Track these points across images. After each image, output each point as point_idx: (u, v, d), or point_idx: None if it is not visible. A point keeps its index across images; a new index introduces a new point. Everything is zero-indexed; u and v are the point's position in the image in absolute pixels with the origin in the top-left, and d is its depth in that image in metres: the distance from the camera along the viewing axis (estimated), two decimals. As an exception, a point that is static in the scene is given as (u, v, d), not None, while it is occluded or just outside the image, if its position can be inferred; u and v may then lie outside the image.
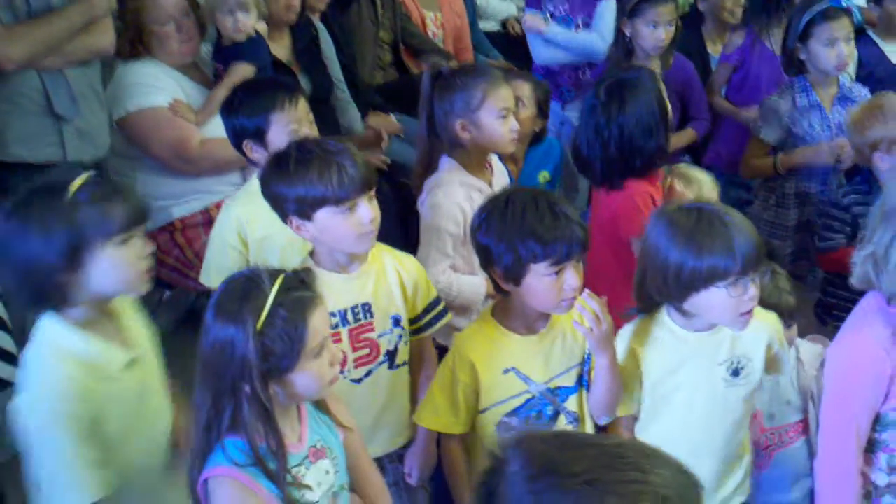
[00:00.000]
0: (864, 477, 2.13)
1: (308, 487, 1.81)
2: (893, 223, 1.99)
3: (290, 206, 2.23)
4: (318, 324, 1.77)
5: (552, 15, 4.42)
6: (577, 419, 2.32)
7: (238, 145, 2.75)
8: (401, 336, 2.40)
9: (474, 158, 2.85)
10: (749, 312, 2.13)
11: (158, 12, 3.39)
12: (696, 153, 4.34)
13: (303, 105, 2.73)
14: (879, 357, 2.02)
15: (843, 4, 3.74)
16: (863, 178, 3.32)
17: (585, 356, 2.30)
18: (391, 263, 2.40)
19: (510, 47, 5.37)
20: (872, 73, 4.18)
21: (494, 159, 2.99)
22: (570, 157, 3.30)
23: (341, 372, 1.95)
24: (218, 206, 3.04)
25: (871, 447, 2.12)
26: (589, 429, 2.34)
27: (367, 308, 2.34)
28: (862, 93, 3.74)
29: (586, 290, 2.15)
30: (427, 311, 2.45)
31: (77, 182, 1.97)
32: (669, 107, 2.99)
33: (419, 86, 2.97)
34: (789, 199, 3.73)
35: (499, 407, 2.26)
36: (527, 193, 2.23)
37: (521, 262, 2.14)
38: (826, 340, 2.67)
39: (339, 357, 1.86)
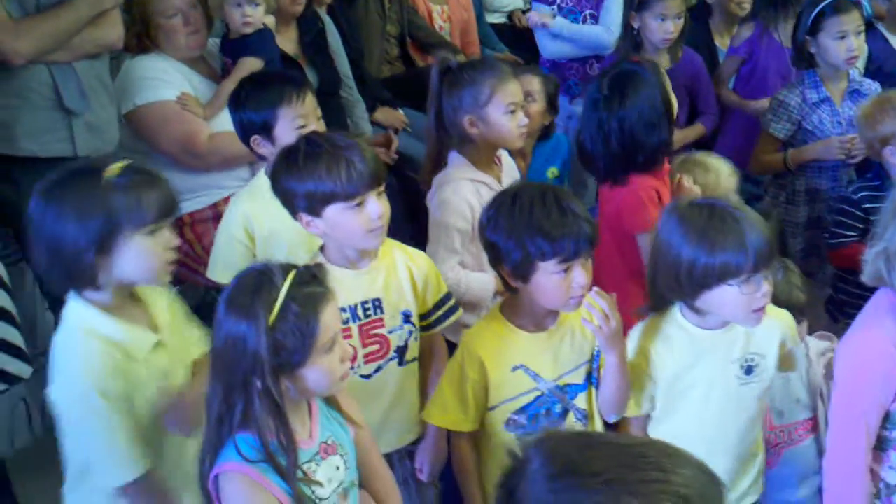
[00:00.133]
0: (873, 475, 2.12)
1: (319, 483, 1.82)
2: None
3: (299, 202, 2.23)
4: (329, 319, 1.77)
5: (559, 7, 4.41)
6: (587, 416, 2.32)
7: (245, 140, 2.75)
8: (411, 332, 2.40)
9: (483, 154, 2.84)
10: (762, 309, 2.12)
11: (165, 5, 3.38)
12: (704, 148, 4.32)
13: (310, 100, 2.73)
14: (889, 354, 2.02)
15: (854, -3, 3.73)
16: (874, 173, 3.31)
17: (594, 353, 2.30)
18: (401, 259, 2.40)
19: (517, 40, 5.37)
20: (881, 68, 4.16)
21: (504, 155, 2.98)
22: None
23: (351, 368, 1.95)
24: (227, 201, 3.04)
25: (881, 445, 2.11)
26: (598, 426, 2.34)
27: (377, 304, 2.34)
28: (872, 87, 3.73)
29: (595, 288, 2.15)
30: (438, 306, 2.45)
31: (114, 168, 1.99)
32: (675, 101, 2.98)
33: (426, 79, 2.96)
34: (800, 195, 3.72)
35: (508, 404, 2.26)
36: (535, 189, 2.22)
37: (529, 260, 2.13)
38: (834, 337, 2.66)
39: (350, 353, 1.87)
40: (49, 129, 3.07)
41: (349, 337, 2.28)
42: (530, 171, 3.42)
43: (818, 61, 3.67)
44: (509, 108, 2.77)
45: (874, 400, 2.07)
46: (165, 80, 3.36)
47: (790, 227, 3.70)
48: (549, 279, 2.14)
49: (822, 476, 2.55)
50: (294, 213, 2.26)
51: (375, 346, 2.35)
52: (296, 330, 1.73)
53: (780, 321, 2.29)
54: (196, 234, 3.36)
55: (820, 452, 2.60)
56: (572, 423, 2.30)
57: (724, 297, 2.10)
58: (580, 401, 2.31)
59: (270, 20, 3.60)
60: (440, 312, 2.46)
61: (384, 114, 4.33)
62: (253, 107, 2.70)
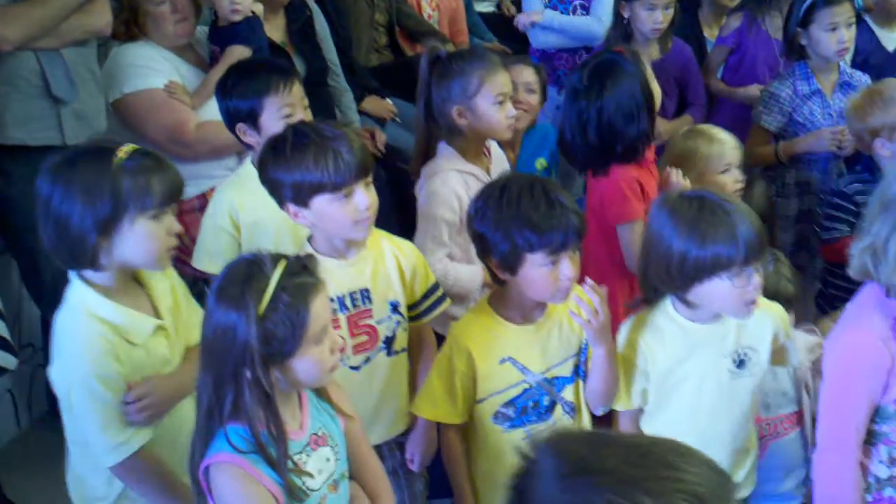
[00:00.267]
0: (863, 469, 2.13)
1: (309, 474, 1.82)
2: (893, 214, 1.99)
3: (286, 192, 2.22)
4: (319, 309, 1.78)
5: (549, -1, 4.40)
6: (574, 409, 2.33)
7: (232, 128, 2.74)
8: (399, 322, 2.40)
9: (472, 145, 2.84)
10: (753, 301, 2.13)
11: (153, -8, 3.36)
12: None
13: (297, 89, 2.72)
14: (878, 349, 2.02)
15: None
16: (863, 165, 3.31)
17: (582, 346, 2.30)
18: (389, 249, 2.40)
19: (505, 29, 5.35)
20: (867, 61, 4.17)
21: (493, 146, 2.98)
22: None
23: (340, 359, 1.95)
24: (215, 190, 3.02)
25: (871, 439, 2.12)
26: (586, 419, 2.35)
27: (365, 294, 2.34)
28: (863, 80, 3.73)
29: (589, 282, 2.15)
30: (426, 296, 2.45)
31: (124, 150, 2.02)
32: (657, 91, 2.98)
33: (415, 68, 2.96)
34: (790, 188, 3.73)
35: (496, 397, 2.27)
36: (523, 181, 2.23)
37: (517, 252, 2.14)
38: (818, 331, 2.67)
39: (340, 344, 1.87)
40: (37, 117, 3.06)
41: (338, 327, 2.28)
42: (518, 163, 3.41)
43: (809, 53, 3.68)
44: (498, 98, 2.77)
45: (863, 395, 2.07)
46: (153, 68, 3.33)
47: (780, 221, 3.71)
48: (536, 271, 2.14)
49: (806, 468, 2.58)
50: (281, 203, 2.26)
51: (364, 337, 2.35)
52: (286, 320, 1.73)
53: (772, 314, 2.30)
54: (184, 224, 3.30)
55: (805, 445, 2.62)
56: (560, 415, 2.31)
57: (716, 289, 2.11)
58: (568, 393, 2.32)
59: (259, 8, 3.57)
60: (428, 302, 2.46)
61: (372, 103, 4.31)
62: (239, 95, 2.69)
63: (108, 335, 2.03)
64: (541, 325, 2.27)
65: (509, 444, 2.29)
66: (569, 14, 4.36)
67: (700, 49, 4.43)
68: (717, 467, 1.13)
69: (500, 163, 2.98)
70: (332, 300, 2.22)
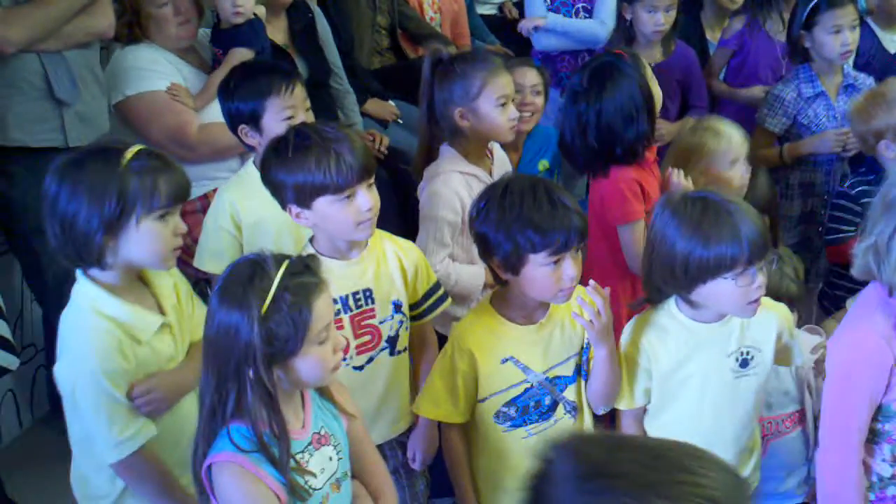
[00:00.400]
0: (866, 467, 2.13)
1: (311, 474, 1.83)
2: (895, 214, 1.99)
3: (288, 194, 2.23)
4: (322, 309, 1.78)
5: (551, 1, 4.40)
6: (576, 409, 2.33)
7: (234, 129, 2.75)
8: (402, 322, 2.40)
9: (474, 147, 2.84)
10: (757, 301, 2.14)
11: (156, -7, 3.37)
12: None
13: (299, 91, 2.73)
14: (880, 348, 2.02)
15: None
16: (867, 167, 3.31)
17: (584, 346, 2.31)
18: (391, 249, 2.40)
19: (506, 32, 5.35)
20: (869, 63, 4.17)
21: (496, 147, 2.98)
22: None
23: (343, 359, 1.96)
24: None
25: (874, 438, 2.12)
26: (587, 418, 2.35)
27: (368, 294, 2.34)
28: (867, 82, 3.74)
29: (592, 283, 2.15)
30: (427, 296, 2.46)
31: (131, 151, 2.04)
32: (658, 93, 2.98)
33: (417, 71, 2.96)
34: (793, 189, 3.73)
35: (497, 396, 2.27)
36: (525, 182, 2.23)
37: (519, 252, 2.14)
38: (822, 331, 2.67)
39: (343, 343, 1.87)
40: (40, 119, 3.07)
41: (341, 328, 2.28)
42: (521, 164, 3.41)
43: (813, 55, 3.68)
44: (500, 101, 2.77)
45: (866, 394, 2.07)
46: (156, 71, 3.34)
47: (784, 222, 3.71)
48: (539, 271, 2.15)
49: (807, 467, 2.58)
50: (283, 204, 2.27)
51: (367, 337, 2.36)
52: (288, 320, 1.73)
53: (776, 314, 2.30)
54: (186, 225, 3.35)
55: (806, 445, 2.62)
56: (561, 415, 2.32)
57: (720, 290, 2.11)
58: (569, 393, 2.32)
59: (261, 10, 3.58)
60: (430, 302, 2.46)
61: (374, 105, 4.31)
62: (241, 96, 2.70)
63: (114, 331, 2.05)
64: (543, 326, 2.28)
65: (511, 444, 2.30)
66: (571, 16, 4.36)
67: (702, 51, 4.44)
68: (732, 470, 1.14)
69: (502, 165, 2.98)
70: (335, 301, 2.23)
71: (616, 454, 1.12)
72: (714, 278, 2.09)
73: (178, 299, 2.22)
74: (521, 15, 4.69)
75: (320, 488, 1.85)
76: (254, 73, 2.77)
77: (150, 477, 2.11)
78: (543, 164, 3.47)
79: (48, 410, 3.67)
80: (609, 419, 2.39)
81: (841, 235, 3.25)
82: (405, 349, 2.44)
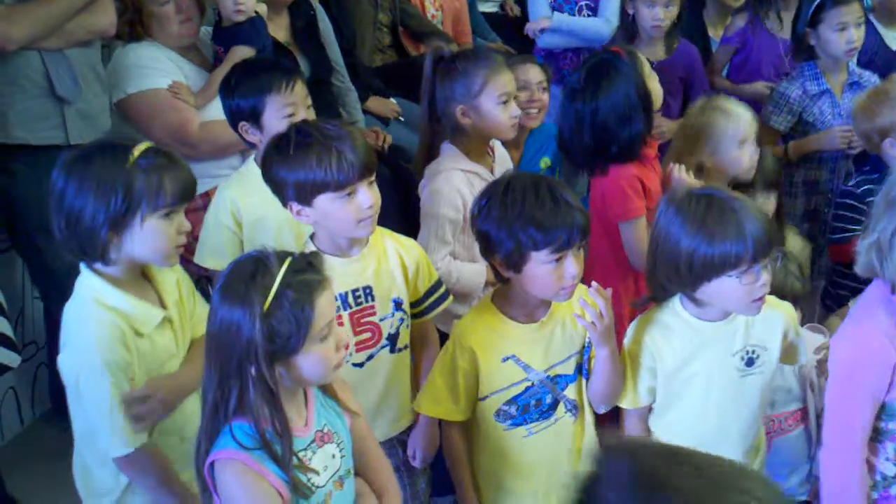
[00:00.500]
0: (869, 466, 2.12)
1: (314, 471, 1.83)
2: None
3: (289, 191, 2.23)
4: (324, 307, 1.78)
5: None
6: (577, 407, 2.33)
7: (234, 126, 2.75)
8: (402, 319, 2.40)
9: (475, 144, 2.84)
10: (761, 299, 2.13)
11: (157, -9, 3.37)
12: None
13: (300, 88, 2.73)
14: (883, 346, 2.01)
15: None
16: (872, 165, 3.30)
17: (585, 345, 2.30)
18: (392, 246, 2.40)
19: (508, 29, 5.34)
20: (872, 61, 4.16)
21: (497, 145, 2.98)
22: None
23: (345, 356, 1.96)
24: (218, 189, 3.03)
25: (877, 436, 2.11)
26: (588, 417, 2.35)
27: (368, 291, 2.34)
28: (872, 79, 3.73)
29: (595, 284, 2.15)
30: (429, 294, 2.45)
31: (139, 148, 2.05)
32: (658, 90, 2.96)
33: (418, 68, 2.96)
34: (797, 187, 3.73)
35: (498, 395, 2.27)
36: (527, 179, 2.22)
37: (521, 250, 2.13)
38: (826, 330, 2.67)
39: (345, 341, 1.87)
40: (41, 117, 3.07)
41: (341, 325, 2.28)
42: (522, 162, 3.41)
43: (818, 53, 3.68)
44: (501, 98, 2.77)
45: (869, 392, 2.06)
46: (157, 69, 3.34)
47: (787, 220, 3.70)
48: (540, 269, 2.14)
49: (810, 465, 2.57)
50: (284, 201, 2.27)
51: (367, 334, 2.36)
52: (291, 317, 1.73)
53: (782, 312, 2.30)
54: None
55: (809, 443, 2.61)
56: (562, 413, 2.31)
57: (724, 287, 2.10)
58: (570, 391, 2.32)
59: (262, 8, 3.58)
60: (431, 299, 2.46)
61: (376, 103, 4.31)
62: (242, 93, 2.70)
63: (117, 322, 2.06)
64: (544, 324, 2.27)
65: (511, 442, 2.29)
66: (575, 14, 4.35)
67: (705, 49, 4.43)
68: (776, 488, 1.14)
69: (503, 162, 2.98)
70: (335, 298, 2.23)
71: (673, 466, 1.12)
72: (719, 276, 2.09)
73: (181, 295, 2.23)
74: (523, 12, 4.68)
75: (323, 486, 1.85)
76: (255, 70, 2.77)
77: (152, 471, 2.12)
78: (545, 162, 3.46)
79: (49, 408, 3.68)
80: (609, 418, 2.39)
81: (845, 234, 3.24)
82: (406, 347, 2.44)
